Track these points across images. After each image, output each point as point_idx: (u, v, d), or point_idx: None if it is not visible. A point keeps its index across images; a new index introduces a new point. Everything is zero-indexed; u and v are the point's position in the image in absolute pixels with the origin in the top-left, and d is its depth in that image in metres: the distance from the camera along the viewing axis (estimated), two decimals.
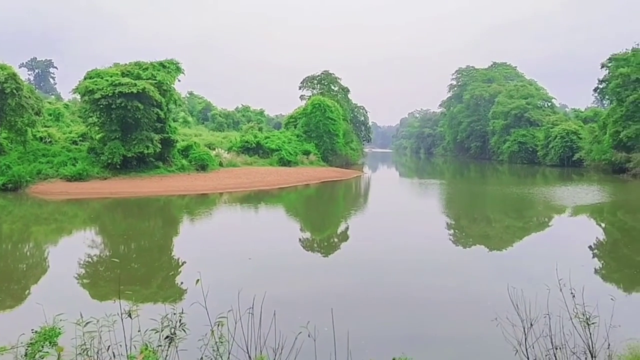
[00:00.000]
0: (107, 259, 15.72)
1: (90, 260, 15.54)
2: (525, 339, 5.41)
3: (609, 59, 69.62)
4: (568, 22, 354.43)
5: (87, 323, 4.09)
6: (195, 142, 45.86)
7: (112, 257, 15.84)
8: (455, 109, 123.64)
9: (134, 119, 36.15)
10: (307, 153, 62.22)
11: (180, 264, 15.44)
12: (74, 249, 17.70)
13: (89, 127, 38.78)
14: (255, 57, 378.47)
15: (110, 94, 34.98)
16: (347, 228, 23.57)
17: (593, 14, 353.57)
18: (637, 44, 64.84)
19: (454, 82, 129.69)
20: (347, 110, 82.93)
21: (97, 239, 19.93)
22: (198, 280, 4.59)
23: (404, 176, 69.64)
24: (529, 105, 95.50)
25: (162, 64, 40.87)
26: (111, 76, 36.80)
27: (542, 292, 6.23)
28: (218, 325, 4.33)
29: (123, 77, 36.92)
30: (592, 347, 5.35)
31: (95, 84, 35.69)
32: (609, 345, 5.55)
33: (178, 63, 42.03)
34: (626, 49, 65.70)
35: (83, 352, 4.11)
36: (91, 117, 37.82)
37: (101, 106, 35.58)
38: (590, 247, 19.19)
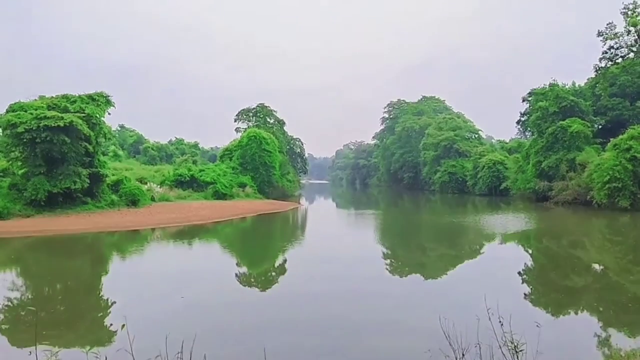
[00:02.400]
0: (27, 303, 14.74)
1: (8, 304, 14.52)
2: None
3: (529, 93, 74.34)
4: (485, 57, 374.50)
5: None
6: (125, 177, 44.40)
7: (33, 301, 14.88)
8: (388, 141, 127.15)
9: (60, 154, 34.64)
10: (243, 185, 61.78)
11: (108, 305, 14.69)
12: None
13: (10, 162, 36.76)
14: (188, 88, 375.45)
15: (34, 128, 33.42)
16: (283, 261, 23.36)
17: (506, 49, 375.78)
18: (554, 80, 69.59)
19: (386, 115, 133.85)
20: (283, 142, 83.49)
21: (17, 281, 18.69)
22: (124, 325, 4.38)
23: (341, 207, 70.27)
24: (458, 137, 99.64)
25: (91, 97, 39.62)
26: (36, 109, 35.22)
27: (473, 321, 6.39)
28: None
29: (49, 110, 35.44)
30: None
31: (19, 118, 34.01)
32: None
33: (108, 96, 40.90)
34: (544, 84, 70.35)
35: None
36: (13, 151, 35.88)
37: (24, 140, 33.88)
38: (519, 272, 19.95)
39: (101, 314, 14.12)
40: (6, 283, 17.71)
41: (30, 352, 4.20)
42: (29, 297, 15.96)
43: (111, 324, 12.32)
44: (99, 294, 16.91)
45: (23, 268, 21.15)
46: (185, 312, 13.43)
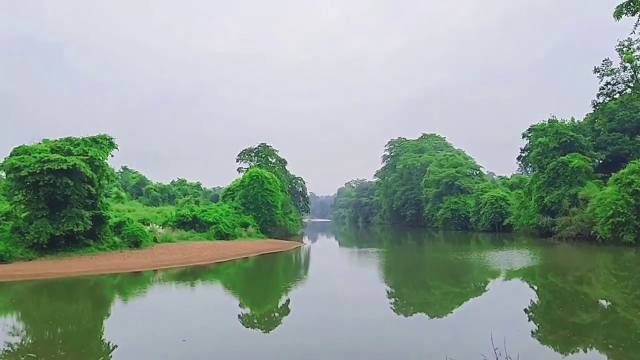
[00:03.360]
0: (28, 347, 14.54)
1: (9, 349, 14.33)
2: None
3: (529, 129, 74.85)
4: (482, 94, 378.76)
5: None
6: (128, 218, 44.42)
7: (34, 345, 14.68)
8: (390, 179, 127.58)
9: (63, 196, 34.75)
10: (245, 225, 61.68)
11: (110, 349, 14.50)
12: None
13: (13, 205, 36.85)
14: (190, 130, 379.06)
15: (37, 171, 33.63)
16: (286, 302, 23.12)
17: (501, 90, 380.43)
18: (553, 115, 70.23)
19: (387, 153, 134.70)
20: (285, 182, 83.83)
21: (18, 326, 18.49)
22: None
23: (344, 245, 69.89)
24: (459, 173, 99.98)
25: (94, 139, 40.03)
26: (39, 152, 35.54)
27: None
28: None
29: (52, 153, 35.75)
30: None
31: (22, 161, 34.27)
32: None
33: (111, 138, 41.32)
34: (543, 120, 70.98)
35: None
36: (16, 195, 35.98)
37: (27, 183, 34.04)
38: (525, 310, 19.69)
39: (102, 358, 13.91)
40: (7, 328, 17.51)
41: None
42: (30, 341, 15.77)
43: None
44: (101, 337, 16.70)
45: (24, 312, 20.95)
46: (187, 355, 13.24)
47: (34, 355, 13.41)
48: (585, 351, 14.39)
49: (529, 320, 18.35)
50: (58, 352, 14.53)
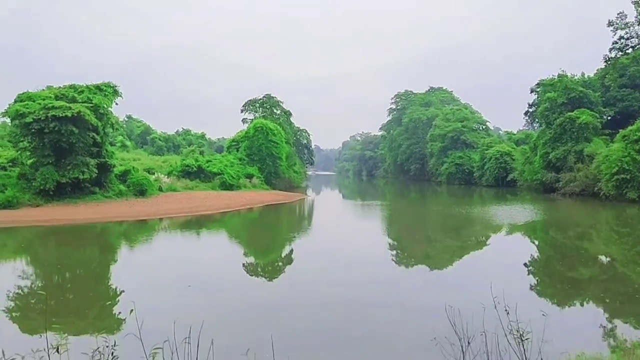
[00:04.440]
0: (38, 290, 14.92)
1: (19, 292, 14.70)
2: (463, 357, 5.54)
3: (537, 84, 73.73)
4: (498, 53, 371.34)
5: None
6: (133, 167, 44.69)
7: (43, 288, 15.05)
8: (395, 132, 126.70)
9: (68, 144, 34.86)
10: (250, 176, 61.89)
11: (117, 293, 14.85)
12: (2, 280, 16.72)
13: (19, 152, 37.02)
14: (195, 80, 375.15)
15: (42, 118, 33.62)
16: (290, 251, 23.48)
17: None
18: (563, 70, 68.94)
19: (393, 106, 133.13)
20: (290, 133, 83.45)
21: (27, 269, 18.91)
22: (132, 310, 4.45)
23: (347, 198, 70.31)
24: (465, 128, 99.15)
25: (98, 87, 39.82)
26: (44, 99, 35.41)
27: (479, 310, 6.42)
28: (153, 357, 4.19)
29: (57, 100, 35.62)
30: None
31: (27, 107, 34.21)
32: (541, 359, 5.75)
33: (115, 86, 41.09)
34: (552, 75, 69.76)
35: None
36: (22, 141, 36.13)
37: (33, 130, 34.11)
38: (525, 264, 19.94)
39: (110, 301, 14.28)
40: (17, 271, 17.93)
41: (41, 336, 4.27)
42: (39, 285, 16.15)
43: (120, 312, 12.47)
44: (108, 282, 17.09)
45: (33, 257, 21.38)
46: (192, 299, 13.56)
47: (43, 293, 13.81)
48: (583, 304, 14.65)
49: (529, 274, 18.61)
50: (66, 295, 14.91)
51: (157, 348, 4.24)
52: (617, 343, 9.99)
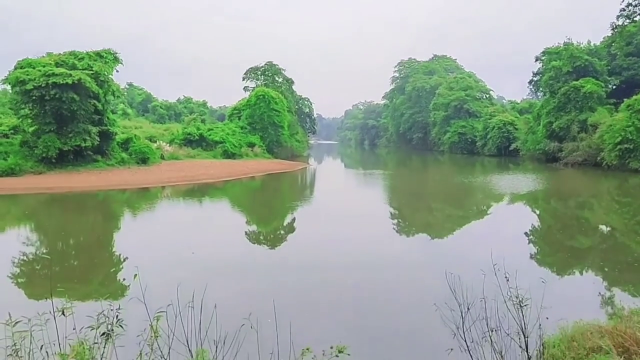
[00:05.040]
0: (42, 256, 15.09)
1: (24, 258, 14.88)
2: (463, 322, 5.62)
3: (543, 52, 72.67)
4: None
5: (16, 323, 3.92)
6: (135, 135, 44.62)
7: (47, 255, 15.22)
8: (398, 101, 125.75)
9: (69, 111, 34.74)
10: (251, 145, 61.78)
11: (121, 260, 15.02)
12: (6, 246, 16.91)
13: (20, 119, 36.94)
14: (195, 48, 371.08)
15: (43, 85, 33.44)
16: (292, 220, 23.62)
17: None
18: (569, 39, 67.93)
19: (397, 74, 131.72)
20: (292, 102, 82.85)
21: (31, 236, 19.09)
22: (136, 275, 4.50)
23: (349, 167, 70.33)
24: (468, 97, 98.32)
25: (98, 54, 39.46)
26: (44, 66, 35.16)
27: (479, 277, 6.48)
28: (157, 320, 4.26)
29: (57, 67, 35.35)
30: (525, 328, 5.63)
31: (27, 74, 33.99)
32: (540, 325, 5.83)
33: (115, 53, 40.71)
34: (558, 43, 68.78)
35: (13, 352, 3.95)
36: (23, 108, 36.04)
37: (34, 97, 33.97)
38: (525, 233, 20.05)
39: (114, 268, 14.45)
40: (21, 238, 18.09)
41: (47, 299, 4.34)
42: (43, 251, 16.32)
43: (124, 278, 12.63)
44: (112, 249, 17.26)
45: (37, 224, 21.56)
46: (196, 266, 13.71)
47: (48, 257, 13.98)
48: (582, 272, 14.80)
49: (529, 242, 18.73)
50: (71, 261, 15.10)
51: (161, 311, 4.31)
52: (614, 310, 10.10)
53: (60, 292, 8.78)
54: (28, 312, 4.11)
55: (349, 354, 3.97)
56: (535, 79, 78.27)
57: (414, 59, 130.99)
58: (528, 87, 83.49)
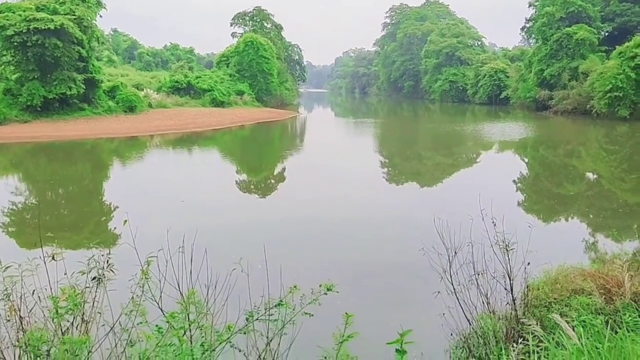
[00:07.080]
0: (31, 205, 15.05)
1: (13, 207, 14.84)
2: (450, 266, 5.71)
3: None
4: None
5: (6, 267, 3.93)
6: (121, 83, 43.74)
7: (36, 204, 15.19)
8: (389, 48, 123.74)
9: (53, 58, 33.84)
10: (240, 93, 60.93)
11: (111, 208, 15.03)
12: None
13: (2, 66, 35.97)
14: None
15: (24, 31, 32.39)
16: (283, 169, 23.64)
17: None
18: None
19: (388, 21, 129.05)
20: (281, 49, 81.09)
21: (20, 186, 18.99)
22: (126, 220, 4.49)
23: (340, 116, 69.95)
24: (460, 44, 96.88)
25: None
26: (24, 10, 33.93)
27: (466, 222, 6.55)
28: (148, 264, 4.28)
29: (38, 11, 34.14)
30: (510, 271, 5.74)
31: (7, 19, 32.84)
32: (525, 269, 5.95)
33: None
34: None
35: (5, 297, 3.97)
36: (4, 55, 35.01)
37: (15, 44, 32.99)
38: (514, 180, 20.24)
39: (104, 217, 14.48)
40: (9, 187, 17.98)
41: (36, 244, 4.34)
42: (33, 201, 16.27)
43: (115, 227, 12.67)
44: (101, 198, 17.26)
45: (24, 173, 21.41)
46: (186, 212, 13.77)
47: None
48: (567, 219, 15.06)
49: (517, 190, 18.94)
50: (61, 211, 15.10)
51: (152, 256, 4.32)
52: (598, 255, 10.35)
53: (50, 239, 8.82)
54: (18, 259, 4.11)
55: (337, 292, 4.03)
56: (527, 25, 77.09)
57: (406, 5, 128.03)
58: (520, 33, 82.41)
